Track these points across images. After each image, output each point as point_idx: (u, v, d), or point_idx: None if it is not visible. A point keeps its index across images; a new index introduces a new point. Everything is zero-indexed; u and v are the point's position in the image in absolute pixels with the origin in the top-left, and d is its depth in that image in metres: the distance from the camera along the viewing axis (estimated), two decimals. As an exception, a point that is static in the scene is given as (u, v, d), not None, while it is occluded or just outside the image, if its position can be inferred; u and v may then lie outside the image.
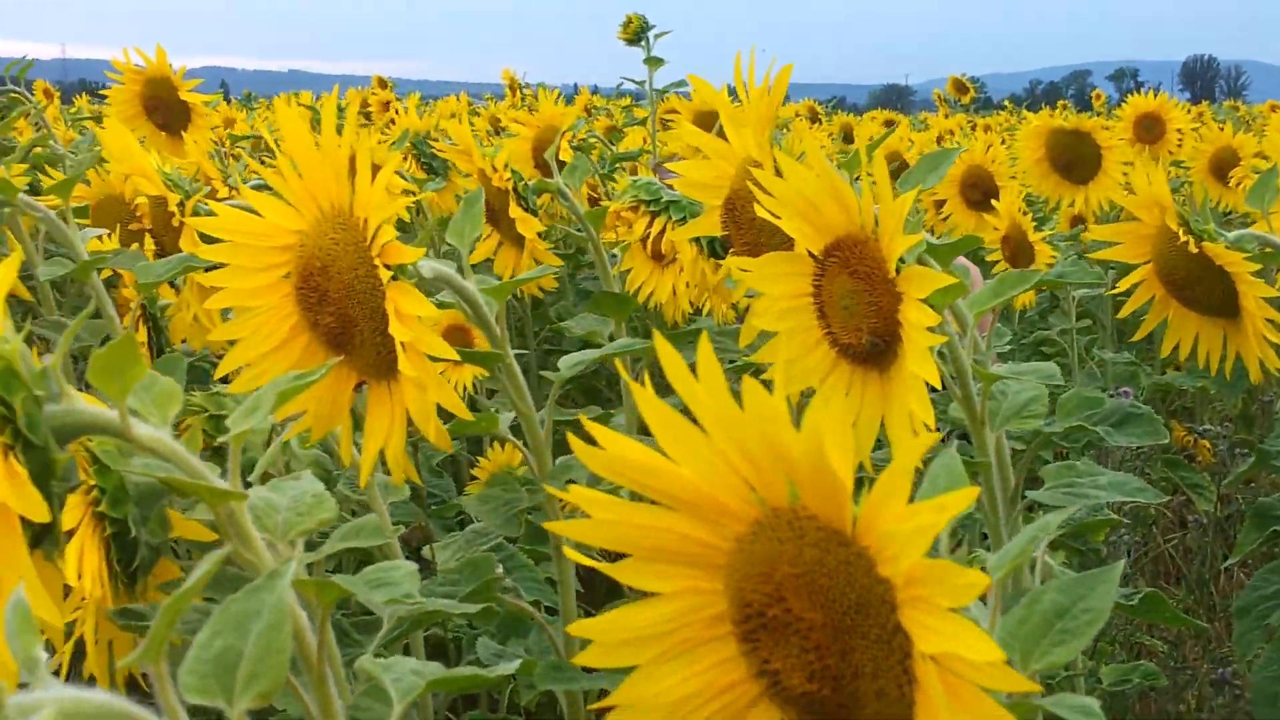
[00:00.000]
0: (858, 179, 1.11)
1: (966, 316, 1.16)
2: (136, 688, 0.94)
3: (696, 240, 1.88)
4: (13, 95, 3.01)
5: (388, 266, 0.99)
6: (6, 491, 0.62)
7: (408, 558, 1.17)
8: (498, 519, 1.19)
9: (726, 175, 1.32)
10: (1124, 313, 1.71)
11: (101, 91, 2.83)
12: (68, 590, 0.84)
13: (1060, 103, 13.22)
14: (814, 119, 7.57)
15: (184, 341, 1.79)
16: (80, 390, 0.75)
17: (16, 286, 1.40)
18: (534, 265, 1.93)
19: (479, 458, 2.49)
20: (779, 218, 1.03)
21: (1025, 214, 2.93)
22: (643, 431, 0.67)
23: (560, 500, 1.23)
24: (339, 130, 0.97)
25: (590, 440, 0.62)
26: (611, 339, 1.91)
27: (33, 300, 1.39)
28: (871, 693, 0.57)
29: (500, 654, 1.26)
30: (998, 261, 2.95)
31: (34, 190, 1.58)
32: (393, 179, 2.79)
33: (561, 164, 2.03)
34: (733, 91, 1.29)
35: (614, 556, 0.65)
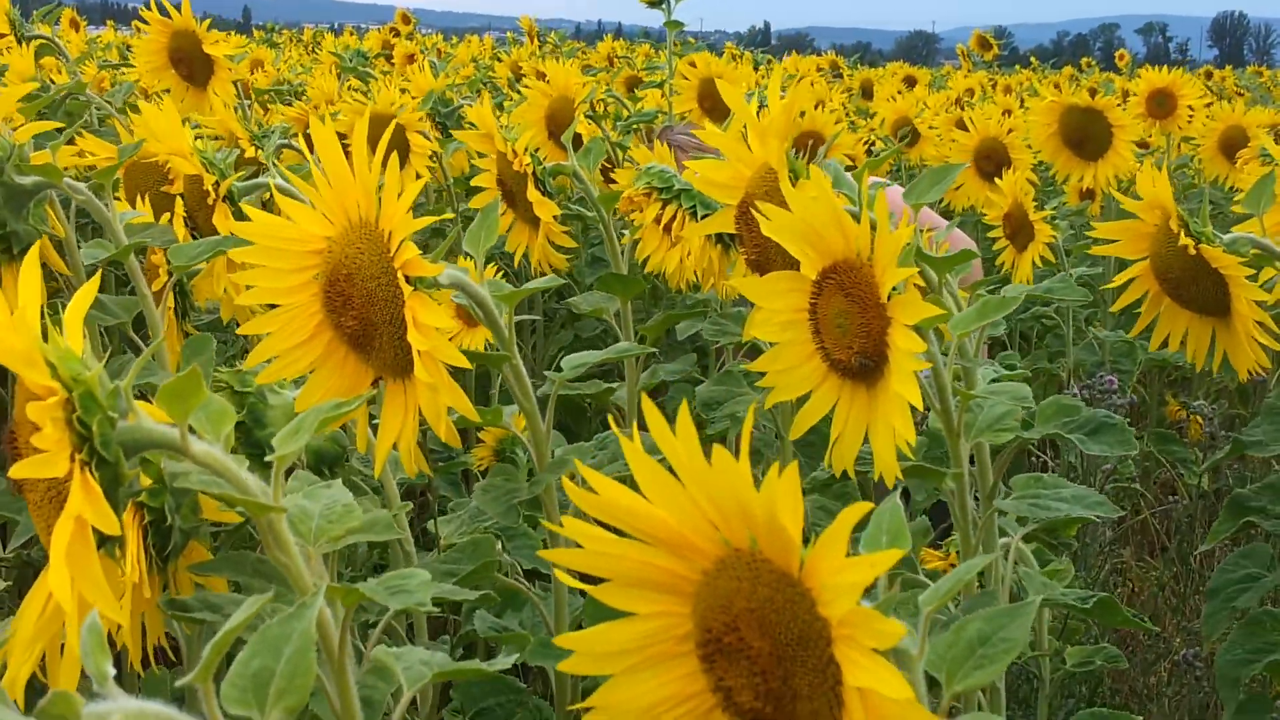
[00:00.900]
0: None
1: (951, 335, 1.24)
2: (180, 698, 1.03)
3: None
4: (41, 41, 3.08)
5: (408, 278, 1.07)
6: (84, 505, 0.72)
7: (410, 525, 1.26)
8: (499, 508, 1.29)
9: (742, 177, 1.41)
10: (1116, 307, 1.77)
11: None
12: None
13: (1085, 60, 13.11)
14: (835, 73, 7.54)
15: (207, 300, 1.87)
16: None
17: (55, 261, 1.48)
18: (547, 245, 2.02)
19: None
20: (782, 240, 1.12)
21: (1028, 194, 2.99)
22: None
23: (559, 489, 1.33)
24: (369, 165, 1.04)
25: (584, 480, 0.72)
26: (618, 316, 2.00)
27: (68, 273, 1.47)
28: (808, 712, 0.68)
29: (496, 627, 1.38)
30: (998, 239, 3.01)
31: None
32: (418, 141, 2.87)
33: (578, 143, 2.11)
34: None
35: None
